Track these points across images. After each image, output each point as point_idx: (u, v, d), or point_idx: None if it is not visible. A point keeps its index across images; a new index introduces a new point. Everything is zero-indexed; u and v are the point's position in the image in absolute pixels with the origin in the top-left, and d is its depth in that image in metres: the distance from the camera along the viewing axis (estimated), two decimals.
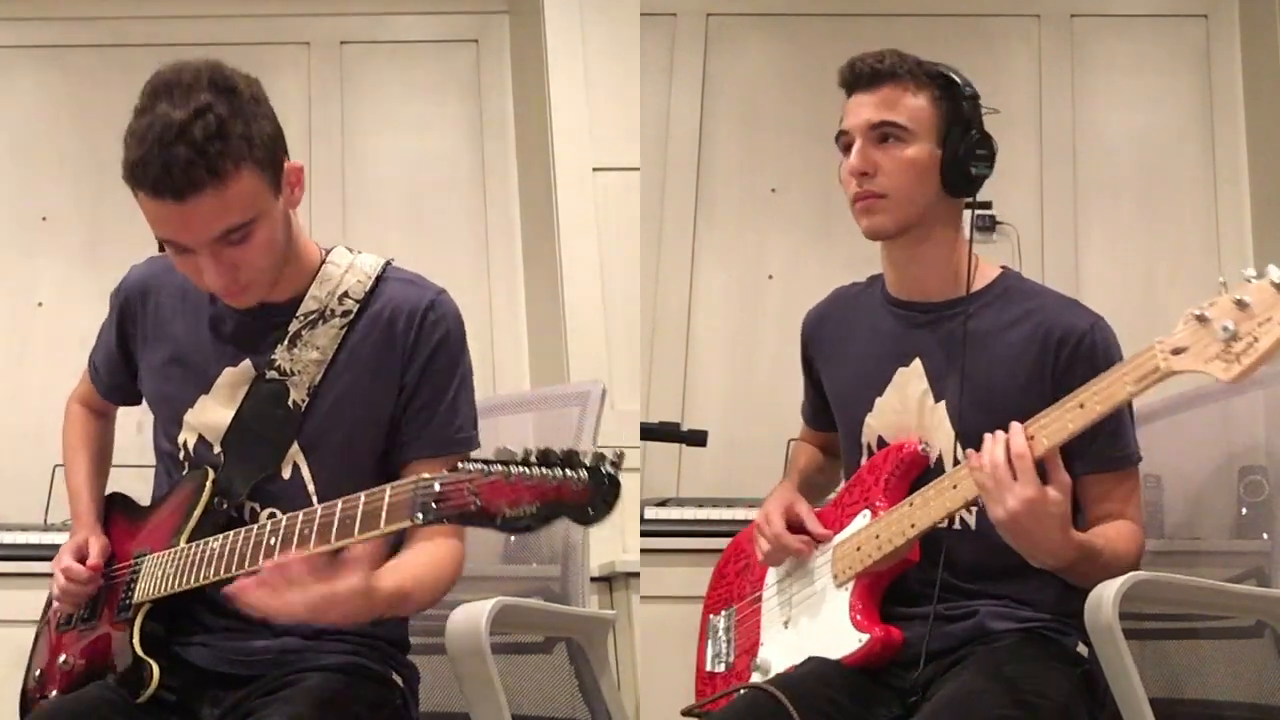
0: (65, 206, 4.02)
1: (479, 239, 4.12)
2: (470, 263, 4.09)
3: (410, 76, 4.21)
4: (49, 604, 2.12)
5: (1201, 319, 1.65)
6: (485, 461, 1.51)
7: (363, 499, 1.64)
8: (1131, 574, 1.88)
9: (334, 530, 1.66)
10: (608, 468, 1.48)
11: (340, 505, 1.67)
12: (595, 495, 1.47)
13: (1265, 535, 2.28)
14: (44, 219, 4.02)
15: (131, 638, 1.90)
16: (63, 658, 2.00)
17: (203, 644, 1.94)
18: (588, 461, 1.48)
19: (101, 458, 2.22)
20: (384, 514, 1.61)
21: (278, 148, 1.82)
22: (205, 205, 1.73)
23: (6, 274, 3.98)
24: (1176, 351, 1.68)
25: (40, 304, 3.97)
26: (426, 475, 1.56)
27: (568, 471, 1.48)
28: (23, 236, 4.00)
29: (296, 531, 1.71)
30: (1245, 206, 3.98)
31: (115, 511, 2.13)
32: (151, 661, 1.87)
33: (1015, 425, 1.84)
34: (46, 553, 3.04)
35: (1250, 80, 4.02)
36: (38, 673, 2.06)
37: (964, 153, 2.01)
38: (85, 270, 3.89)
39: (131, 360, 2.10)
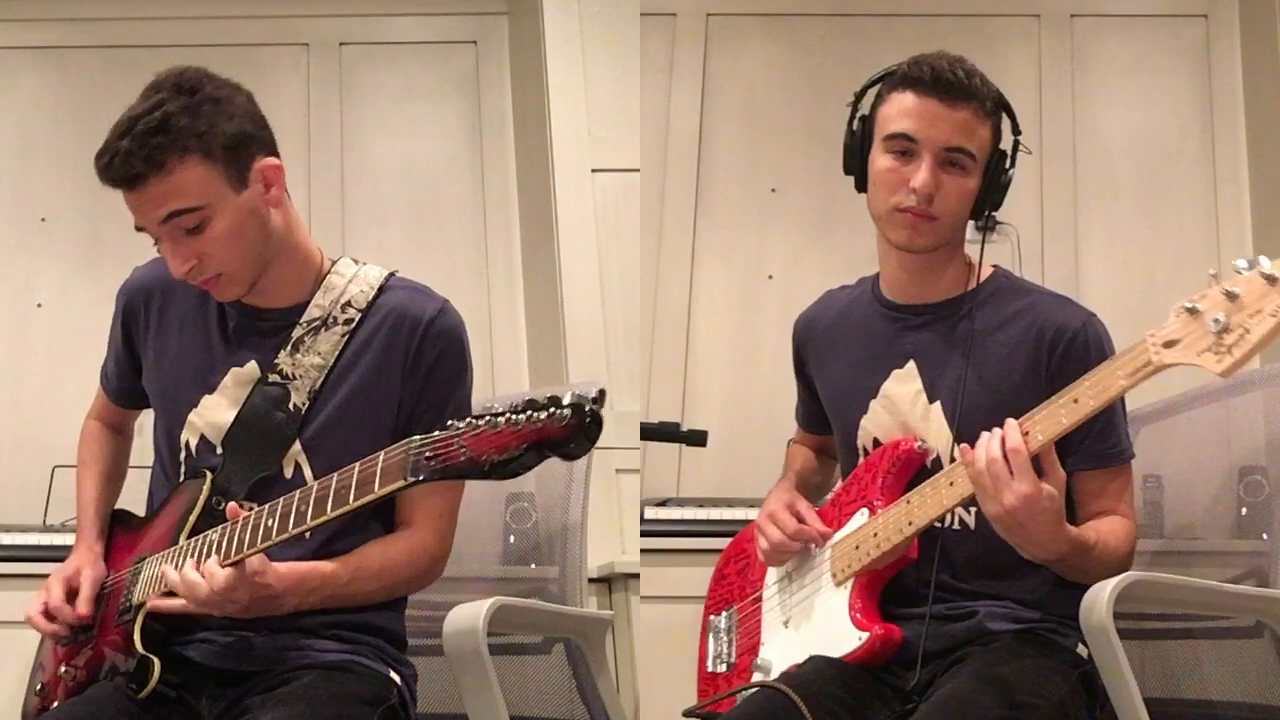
0: (64, 208, 4.01)
1: (478, 240, 4.11)
2: (469, 264, 4.09)
3: (409, 78, 4.21)
4: None
5: (1192, 311, 1.65)
6: (474, 417, 1.59)
7: (357, 467, 1.71)
8: (1127, 574, 1.88)
9: (330, 501, 1.72)
10: (590, 405, 1.53)
11: (336, 477, 1.73)
12: (578, 430, 1.52)
13: (1265, 535, 2.28)
14: (43, 220, 4.02)
15: (133, 636, 1.91)
16: (64, 668, 2.01)
17: (202, 641, 1.95)
18: (569, 400, 1.54)
19: (112, 475, 2.24)
20: (378, 478, 1.67)
21: (242, 145, 1.92)
22: (149, 191, 1.88)
23: (5, 275, 3.98)
24: (1168, 345, 1.68)
25: (39, 305, 3.96)
26: (418, 437, 1.63)
27: (552, 411, 1.53)
28: (22, 238, 4.00)
29: (294, 509, 1.76)
30: (1245, 206, 3.97)
31: (116, 527, 2.15)
32: (152, 657, 1.88)
33: (1011, 421, 1.83)
34: (46, 554, 3.05)
35: (1250, 80, 4.01)
36: (39, 686, 2.07)
37: (999, 192, 2.04)
38: (84, 272, 3.89)
39: (136, 359, 2.13)
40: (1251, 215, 3.97)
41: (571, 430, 1.52)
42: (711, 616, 2.29)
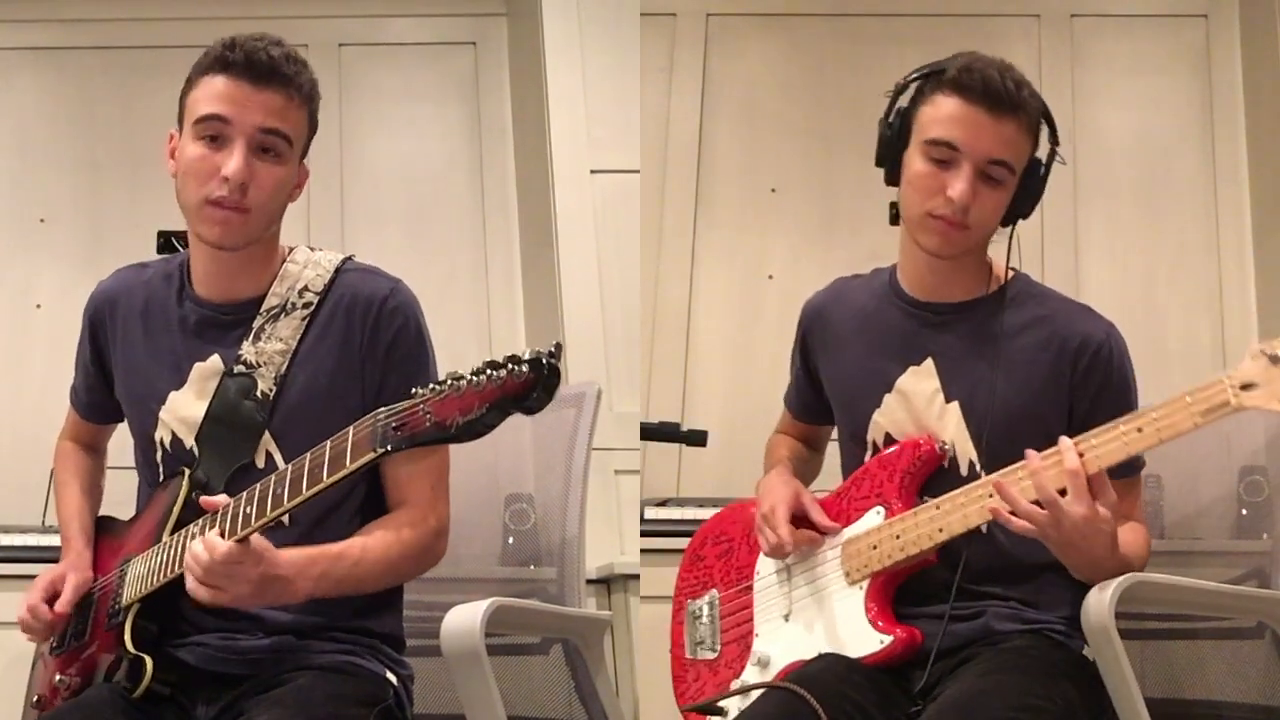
0: (63, 208, 4.02)
1: (477, 241, 4.11)
2: (469, 265, 4.09)
3: (408, 79, 4.21)
4: None
5: (1273, 359, 1.69)
6: (437, 383, 1.61)
7: (328, 445, 1.72)
8: (1128, 575, 1.88)
9: (305, 481, 1.73)
10: (547, 359, 1.56)
11: (308, 456, 1.75)
12: (537, 383, 1.55)
13: (1265, 535, 2.28)
14: (42, 220, 4.02)
15: (123, 636, 1.91)
16: (58, 676, 2.01)
17: (197, 644, 1.95)
18: (527, 356, 1.56)
19: (91, 489, 2.24)
20: (349, 452, 1.68)
21: (314, 135, 2.02)
22: (272, 99, 1.93)
23: (5, 276, 3.98)
24: (1245, 387, 1.71)
25: (38, 306, 3.97)
26: (383, 409, 1.65)
27: (511, 368, 1.56)
28: (21, 238, 4.00)
29: (270, 493, 1.76)
30: (1245, 206, 3.97)
31: (101, 533, 2.15)
32: (144, 656, 1.88)
33: (1066, 441, 1.83)
34: (44, 555, 3.04)
35: (1250, 80, 4.01)
36: (35, 699, 2.07)
37: (1031, 200, 2.02)
38: (83, 272, 3.88)
39: (106, 371, 2.14)
40: (1251, 215, 3.96)
41: (530, 384, 1.55)
42: (689, 601, 2.26)
